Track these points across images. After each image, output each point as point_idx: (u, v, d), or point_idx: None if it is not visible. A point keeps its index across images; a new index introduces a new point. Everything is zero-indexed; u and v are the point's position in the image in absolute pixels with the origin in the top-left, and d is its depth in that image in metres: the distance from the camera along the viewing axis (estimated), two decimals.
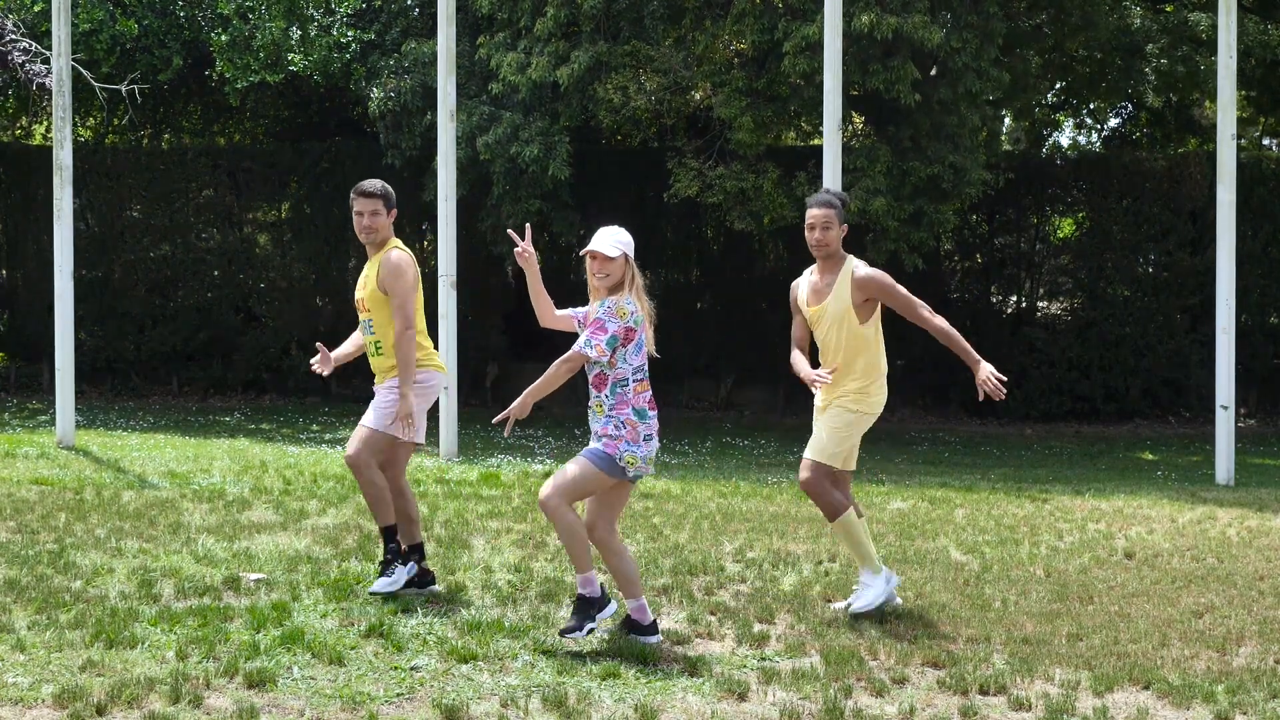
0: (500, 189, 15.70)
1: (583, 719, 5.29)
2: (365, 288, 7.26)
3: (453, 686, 5.64)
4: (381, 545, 7.40)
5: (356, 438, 7.16)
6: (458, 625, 6.53)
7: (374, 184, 7.28)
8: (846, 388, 6.99)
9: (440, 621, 6.62)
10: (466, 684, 5.68)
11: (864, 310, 6.97)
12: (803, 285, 7.18)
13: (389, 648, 6.14)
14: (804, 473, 6.98)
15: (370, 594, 7.10)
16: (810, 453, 7.01)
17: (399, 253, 7.22)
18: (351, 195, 7.31)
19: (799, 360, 7.12)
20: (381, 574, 7.19)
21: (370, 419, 7.20)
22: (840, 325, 6.96)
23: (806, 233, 7.05)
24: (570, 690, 5.57)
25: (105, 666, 5.73)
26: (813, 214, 7.01)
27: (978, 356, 6.87)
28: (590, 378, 6.29)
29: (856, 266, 7.02)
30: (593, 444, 6.26)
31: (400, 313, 7.08)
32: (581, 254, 6.41)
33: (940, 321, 6.93)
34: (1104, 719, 5.40)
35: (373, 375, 7.33)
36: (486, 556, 8.22)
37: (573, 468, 6.18)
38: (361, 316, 7.31)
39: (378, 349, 7.25)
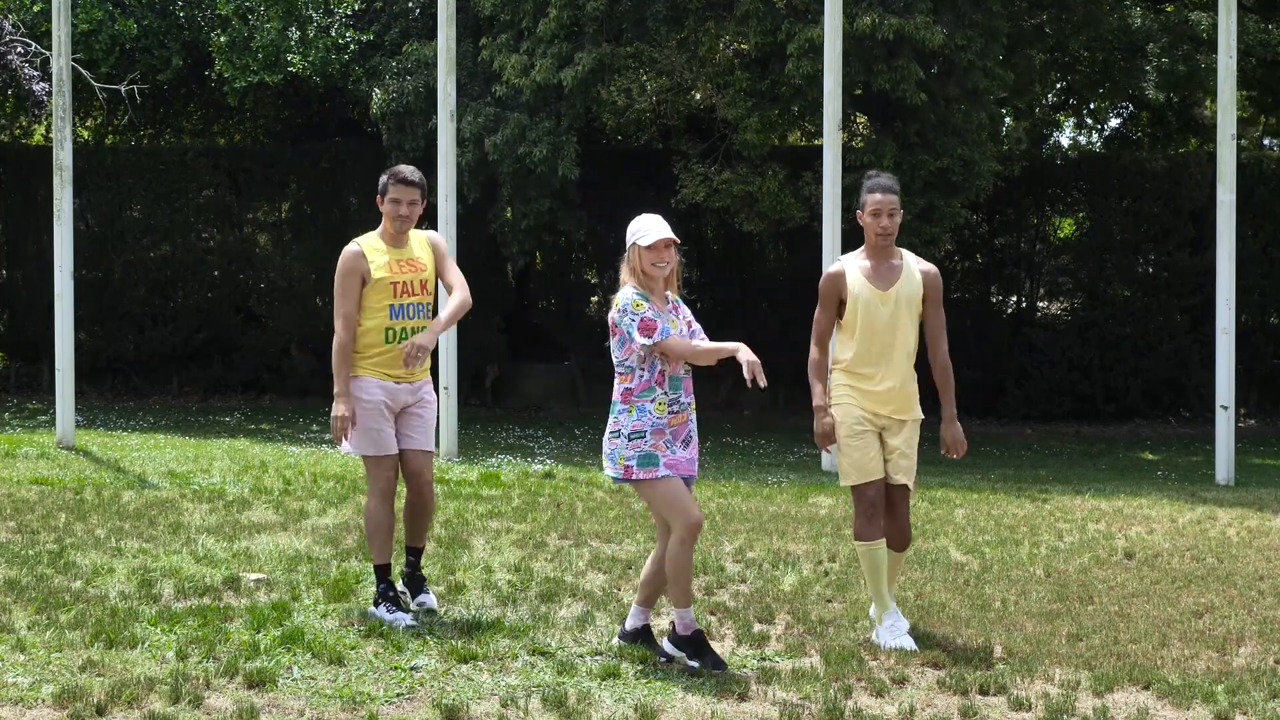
0: (509, 189, 15.69)
1: (583, 719, 5.29)
2: (424, 270, 6.89)
3: (453, 686, 5.64)
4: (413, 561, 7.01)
5: (431, 464, 6.86)
6: (458, 625, 6.53)
7: (415, 172, 6.91)
8: (912, 394, 6.71)
9: (440, 622, 6.62)
10: (466, 684, 5.68)
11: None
12: (851, 271, 6.53)
13: (389, 648, 6.14)
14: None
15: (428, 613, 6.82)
16: (910, 480, 6.78)
17: (432, 231, 7.32)
18: (389, 181, 6.81)
19: (822, 367, 6.60)
20: (423, 590, 6.95)
21: (430, 441, 6.87)
22: (911, 310, 6.51)
23: (869, 218, 6.45)
24: (570, 690, 5.57)
25: (105, 666, 5.73)
26: (879, 199, 6.45)
27: (954, 413, 6.72)
28: (689, 379, 6.41)
29: (919, 260, 6.65)
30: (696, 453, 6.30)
31: (457, 275, 6.95)
32: (648, 245, 6.27)
33: (945, 356, 6.68)
34: (1104, 719, 5.40)
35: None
36: (486, 556, 8.22)
37: None
38: (413, 301, 6.80)
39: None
